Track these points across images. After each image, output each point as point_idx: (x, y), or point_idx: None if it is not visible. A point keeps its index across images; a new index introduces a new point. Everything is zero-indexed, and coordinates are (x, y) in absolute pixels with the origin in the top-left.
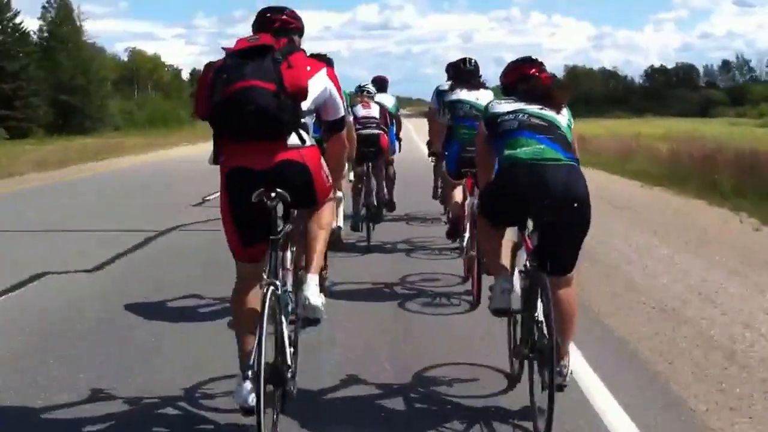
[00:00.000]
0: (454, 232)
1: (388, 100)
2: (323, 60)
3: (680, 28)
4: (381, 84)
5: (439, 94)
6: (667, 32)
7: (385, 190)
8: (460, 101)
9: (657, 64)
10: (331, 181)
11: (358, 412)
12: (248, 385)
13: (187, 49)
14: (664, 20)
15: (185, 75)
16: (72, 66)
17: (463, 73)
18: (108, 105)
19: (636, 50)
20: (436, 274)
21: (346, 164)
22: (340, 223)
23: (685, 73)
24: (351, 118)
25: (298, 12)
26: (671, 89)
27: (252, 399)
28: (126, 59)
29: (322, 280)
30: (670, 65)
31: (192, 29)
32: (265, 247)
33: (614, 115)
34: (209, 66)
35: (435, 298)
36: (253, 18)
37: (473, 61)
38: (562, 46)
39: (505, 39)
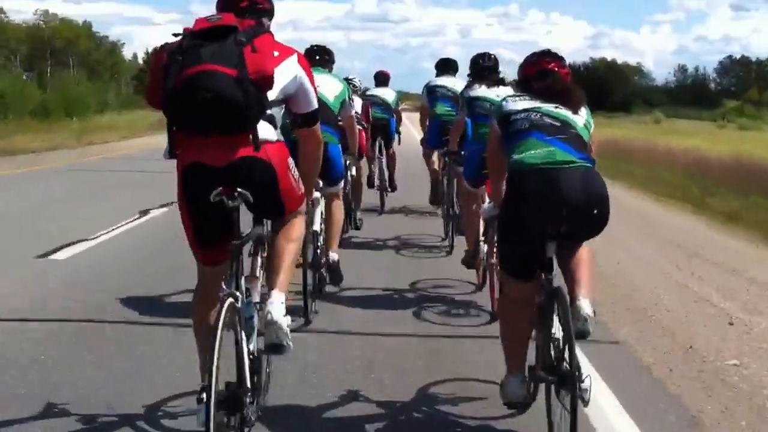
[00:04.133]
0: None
1: (389, 94)
2: (326, 54)
3: (676, 30)
4: (383, 78)
5: (431, 90)
6: (662, 34)
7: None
8: (479, 98)
9: (654, 66)
10: (302, 188)
11: None
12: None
13: None
14: (660, 22)
15: (141, 54)
16: None
17: (483, 69)
18: None
19: (632, 51)
20: (433, 278)
21: (350, 159)
22: (316, 226)
23: None
24: (353, 112)
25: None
26: None
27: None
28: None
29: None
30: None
31: (187, 14)
32: (227, 250)
33: (710, 119)
34: (163, 48)
35: (430, 303)
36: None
37: (492, 56)
38: (559, 44)
39: (502, 36)
